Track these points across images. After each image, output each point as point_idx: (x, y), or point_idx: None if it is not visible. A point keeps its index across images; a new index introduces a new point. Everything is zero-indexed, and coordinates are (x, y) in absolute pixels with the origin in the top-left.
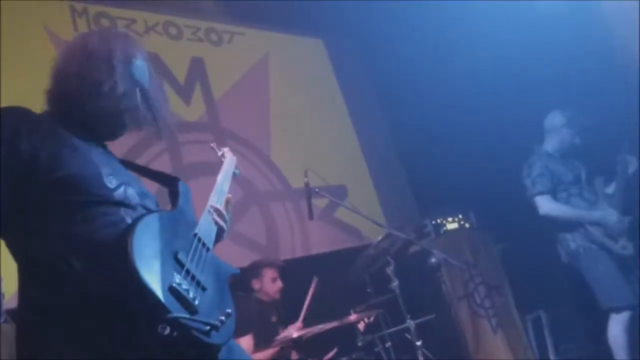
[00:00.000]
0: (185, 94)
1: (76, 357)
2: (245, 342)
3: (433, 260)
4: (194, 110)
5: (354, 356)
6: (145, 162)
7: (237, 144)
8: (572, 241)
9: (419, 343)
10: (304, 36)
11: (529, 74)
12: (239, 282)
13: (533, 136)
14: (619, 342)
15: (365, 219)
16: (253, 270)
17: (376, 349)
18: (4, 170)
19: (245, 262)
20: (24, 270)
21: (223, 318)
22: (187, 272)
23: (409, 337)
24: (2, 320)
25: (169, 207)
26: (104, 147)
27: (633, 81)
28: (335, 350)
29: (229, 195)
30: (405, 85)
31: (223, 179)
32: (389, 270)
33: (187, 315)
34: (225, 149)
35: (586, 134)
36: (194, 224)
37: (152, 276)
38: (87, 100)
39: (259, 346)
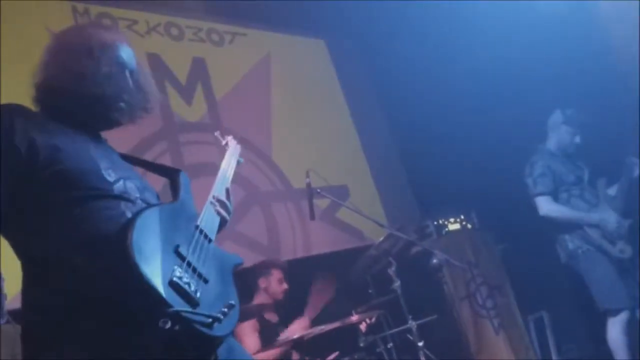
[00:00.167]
0: (186, 94)
1: (79, 356)
2: (252, 341)
3: (435, 260)
4: (196, 111)
5: (355, 357)
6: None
7: (241, 155)
8: (571, 242)
9: (420, 344)
10: (305, 36)
11: (529, 74)
12: (246, 280)
13: (534, 136)
14: (618, 343)
15: (367, 219)
16: (262, 269)
17: (378, 350)
18: (3, 168)
19: (246, 262)
20: (27, 269)
21: (226, 310)
22: (189, 264)
23: (410, 337)
24: (4, 321)
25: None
26: (103, 140)
27: (633, 81)
28: (336, 353)
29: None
30: (406, 86)
31: (226, 168)
32: (391, 270)
33: (189, 309)
34: (229, 138)
35: (586, 133)
36: (196, 215)
37: (153, 271)
38: (70, 88)
39: (262, 346)
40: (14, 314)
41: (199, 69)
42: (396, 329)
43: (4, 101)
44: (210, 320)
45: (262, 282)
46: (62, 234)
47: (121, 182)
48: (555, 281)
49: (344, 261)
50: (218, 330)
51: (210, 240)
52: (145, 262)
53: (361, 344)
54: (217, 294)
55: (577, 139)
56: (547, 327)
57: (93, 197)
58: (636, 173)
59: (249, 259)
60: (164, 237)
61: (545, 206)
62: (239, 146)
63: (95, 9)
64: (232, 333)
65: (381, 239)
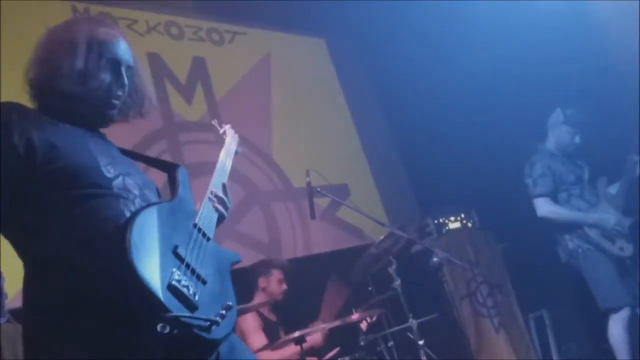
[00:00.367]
0: (186, 93)
1: (78, 356)
2: (257, 339)
3: (435, 259)
4: (196, 110)
5: (356, 355)
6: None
7: (239, 144)
8: (571, 242)
9: (421, 342)
10: (305, 36)
11: (529, 73)
12: (247, 279)
13: (534, 135)
14: (619, 342)
15: (367, 218)
16: (262, 269)
17: (378, 349)
18: (2, 169)
19: (246, 262)
20: (27, 269)
21: (224, 312)
22: (187, 266)
23: (411, 336)
24: (4, 320)
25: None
26: (102, 136)
27: (633, 80)
28: (337, 349)
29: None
30: (407, 85)
31: (224, 160)
32: (391, 269)
33: (187, 314)
34: (227, 127)
35: (586, 132)
36: (194, 212)
37: (151, 274)
38: (58, 84)
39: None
40: (15, 313)
41: (199, 68)
42: (397, 328)
43: (3, 101)
44: (208, 324)
45: (261, 282)
46: (61, 234)
47: (120, 179)
48: (555, 280)
49: (344, 260)
50: (216, 333)
51: (208, 239)
52: (143, 265)
53: (362, 343)
54: (215, 295)
55: (577, 139)
56: (547, 326)
57: (92, 195)
58: (637, 172)
59: (250, 259)
60: (162, 237)
61: (544, 207)
62: (236, 135)
63: (95, 8)
64: (235, 331)
65: (381, 237)
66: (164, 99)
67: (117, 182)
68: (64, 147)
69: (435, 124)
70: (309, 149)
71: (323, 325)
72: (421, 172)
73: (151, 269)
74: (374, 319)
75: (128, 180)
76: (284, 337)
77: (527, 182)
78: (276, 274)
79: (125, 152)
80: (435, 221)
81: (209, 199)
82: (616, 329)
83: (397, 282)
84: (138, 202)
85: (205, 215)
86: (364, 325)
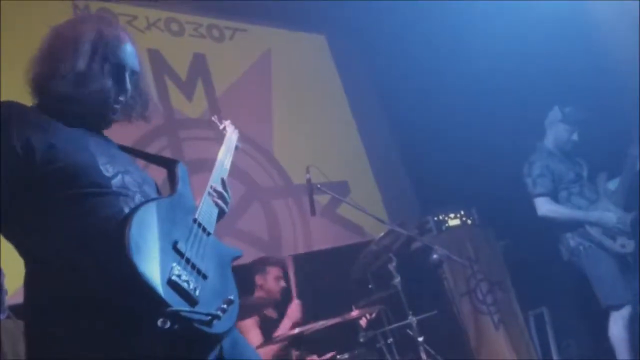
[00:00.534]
0: (187, 90)
1: (79, 355)
2: (254, 336)
3: (435, 256)
4: (196, 107)
5: (355, 352)
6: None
7: (239, 140)
8: (572, 239)
9: (420, 339)
10: (306, 32)
11: (529, 72)
12: (244, 277)
13: (535, 133)
14: (620, 339)
15: (367, 215)
16: (258, 266)
17: (378, 345)
18: (1, 168)
19: (246, 259)
20: (28, 268)
21: (225, 306)
22: (187, 261)
23: (410, 333)
24: (4, 316)
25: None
26: (100, 134)
27: (633, 80)
28: (333, 353)
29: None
30: (407, 82)
31: (224, 156)
32: (391, 266)
33: (188, 308)
34: (227, 122)
35: (583, 129)
36: (194, 208)
37: (151, 270)
38: (49, 82)
39: (265, 341)
40: (15, 309)
41: (199, 64)
42: (396, 325)
43: (2, 100)
44: (209, 318)
45: (258, 280)
46: (62, 233)
47: (119, 177)
48: (555, 277)
49: (344, 257)
50: (217, 327)
51: (208, 234)
52: (143, 260)
53: (361, 340)
54: (216, 290)
55: (575, 136)
56: (547, 323)
57: (91, 194)
58: (637, 166)
59: (250, 255)
60: (162, 232)
61: (544, 207)
62: (236, 131)
63: (95, 5)
64: (235, 327)
65: (381, 234)
66: (164, 96)
67: (116, 181)
68: (63, 147)
69: (436, 121)
70: (310, 145)
71: (323, 322)
72: (421, 169)
73: (151, 264)
74: (374, 315)
75: (127, 178)
76: (282, 335)
77: (527, 182)
78: (272, 272)
79: (124, 149)
80: (435, 218)
81: (209, 194)
82: (617, 326)
83: (397, 279)
84: (138, 199)
85: (205, 211)
86: (363, 322)
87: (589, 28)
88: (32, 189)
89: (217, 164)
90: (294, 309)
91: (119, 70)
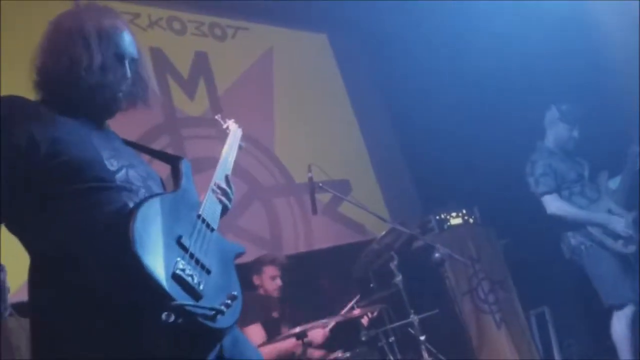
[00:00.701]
0: (189, 88)
1: (84, 350)
2: (256, 334)
3: (437, 255)
4: (198, 105)
5: (357, 351)
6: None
7: (242, 139)
8: (573, 238)
9: (422, 338)
10: (307, 31)
11: (531, 70)
12: (243, 277)
13: (536, 132)
14: (622, 338)
15: (369, 213)
16: (255, 266)
17: (379, 344)
18: (3, 162)
19: (248, 257)
20: (32, 263)
21: (229, 301)
22: (191, 255)
23: (412, 332)
24: (7, 314)
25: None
26: (105, 127)
27: (633, 76)
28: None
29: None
30: (409, 81)
31: (227, 154)
32: (393, 265)
33: (192, 302)
34: (231, 121)
35: (583, 126)
36: (198, 204)
37: (155, 263)
38: (64, 76)
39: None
40: (17, 307)
41: (201, 63)
42: (398, 323)
43: (4, 94)
44: (213, 312)
45: (256, 280)
46: (65, 228)
47: (123, 171)
48: (557, 276)
49: (346, 255)
50: (221, 322)
51: (212, 230)
52: (147, 255)
53: (363, 338)
54: (220, 285)
55: (575, 134)
56: (549, 322)
57: (95, 189)
58: (637, 164)
59: (251, 254)
60: (166, 227)
61: (553, 204)
62: (240, 130)
63: (97, 3)
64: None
65: (383, 233)
66: (166, 94)
67: (120, 175)
68: (67, 141)
69: (437, 119)
70: (311, 144)
71: (324, 321)
72: (423, 168)
73: (155, 258)
74: (375, 314)
75: (131, 173)
76: (285, 333)
77: (529, 181)
78: (268, 271)
79: (129, 144)
80: (437, 217)
81: (213, 191)
82: (619, 326)
83: (399, 278)
84: (142, 194)
85: (209, 207)
86: (365, 321)
87: (589, 28)
88: (35, 183)
89: (221, 161)
90: (319, 335)
91: (119, 58)
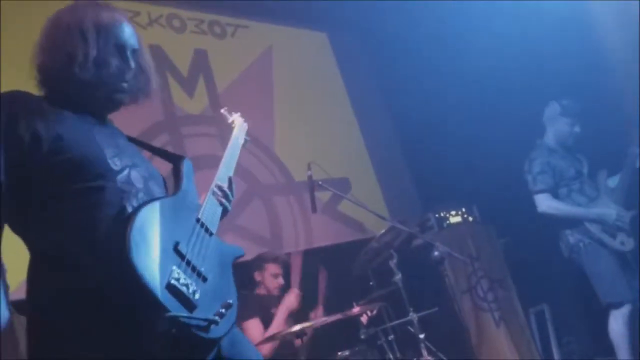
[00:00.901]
0: (188, 86)
1: (76, 355)
2: (255, 327)
3: (436, 253)
4: (197, 103)
5: (356, 349)
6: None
7: (247, 133)
8: (572, 236)
9: (421, 336)
10: (307, 29)
11: (531, 70)
12: (244, 274)
13: (536, 131)
14: (620, 336)
15: (369, 212)
16: (257, 263)
17: (379, 342)
18: (5, 157)
19: (247, 256)
20: (31, 261)
21: (223, 310)
22: (188, 263)
23: (411, 330)
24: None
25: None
26: (109, 123)
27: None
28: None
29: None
30: (409, 79)
31: (232, 151)
32: (392, 263)
33: (186, 314)
34: (236, 115)
35: (584, 121)
36: (198, 206)
37: (150, 273)
38: (66, 71)
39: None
40: (16, 305)
41: (200, 61)
42: (397, 321)
43: (8, 90)
44: (206, 323)
45: (257, 276)
46: (64, 228)
47: (126, 172)
48: (556, 274)
49: (345, 254)
50: (215, 332)
51: (211, 234)
52: (143, 263)
53: (362, 336)
54: (215, 293)
55: (577, 129)
56: (548, 320)
57: (95, 189)
58: (637, 164)
59: (251, 252)
60: (164, 233)
61: (544, 203)
62: (245, 124)
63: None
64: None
65: (383, 231)
66: (165, 92)
67: (122, 176)
68: (70, 139)
69: (437, 117)
70: (311, 142)
71: (324, 319)
72: (423, 166)
73: (151, 267)
74: (375, 312)
75: (133, 173)
76: (284, 331)
77: (527, 179)
78: (270, 269)
79: (132, 141)
80: (437, 215)
81: (214, 193)
82: (617, 324)
83: (398, 276)
84: (141, 197)
85: (209, 210)
86: (364, 319)
87: (589, 28)
88: (37, 180)
89: (224, 160)
90: (292, 297)
91: (120, 50)
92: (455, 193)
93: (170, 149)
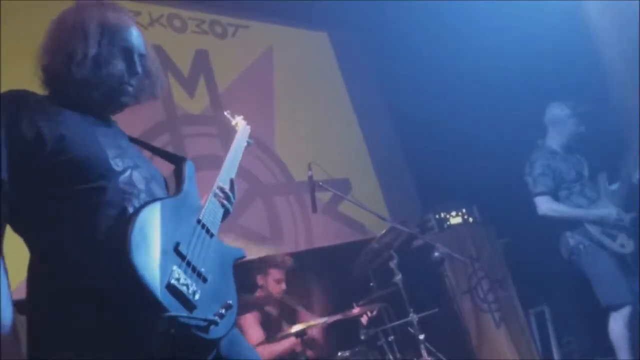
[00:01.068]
0: (189, 86)
1: (76, 355)
2: (255, 333)
3: (436, 254)
4: (198, 103)
5: (356, 349)
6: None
7: (250, 136)
8: (572, 238)
9: (421, 337)
10: (308, 29)
11: (531, 70)
12: (246, 275)
13: (536, 130)
14: (620, 336)
15: (369, 212)
16: (261, 266)
17: (379, 343)
18: (8, 156)
19: (247, 256)
20: (32, 261)
21: (223, 311)
22: (188, 263)
23: (411, 331)
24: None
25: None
26: (112, 123)
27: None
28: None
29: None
30: (409, 79)
31: (234, 154)
32: (392, 264)
33: (185, 314)
34: (239, 118)
35: (589, 122)
36: (199, 207)
37: (150, 273)
38: (69, 73)
39: (267, 338)
40: (17, 304)
41: (201, 61)
42: (397, 322)
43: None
44: (206, 324)
45: (259, 280)
46: (64, 229)
47: (128, 173)
48: (556, 275)
49: (345, 254)
50: (214, 333)
51: (212, 235)
52: (143, 263)
53: (362, 337)
54: (215, 293)
55: (582, 129)
56: (548, 321)
57: (97, 190)
58: (634, 180)
59: (251, 252)
60: (164, 234)
61: (544, 206)
62: (248, 127)
63: None
64: (235, 324)
65: (383, 232)
66: (166, 92)
67: (124, 177)
68: (73, 138)
69: (438, 118)
70: (311, 142)
71: (324, 319)
72: (423, 167)
73: (151, 267)
74: (375, 313)
75: (135, 175)
76: (283, 332)
77: (527, 181)
78: (274, 274)
79: (134, 141)
80: (437, 216)
81: (215, 194)
82: (617, 325)
83: (398, 277)
84: (143, 197)
85: (210, 211)
86: (364, 320)
87: (589, 27)
88: (38, 180)
89: (226, 162)
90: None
91: (127, 53)
92: (455, 193)
93: (170, 148)
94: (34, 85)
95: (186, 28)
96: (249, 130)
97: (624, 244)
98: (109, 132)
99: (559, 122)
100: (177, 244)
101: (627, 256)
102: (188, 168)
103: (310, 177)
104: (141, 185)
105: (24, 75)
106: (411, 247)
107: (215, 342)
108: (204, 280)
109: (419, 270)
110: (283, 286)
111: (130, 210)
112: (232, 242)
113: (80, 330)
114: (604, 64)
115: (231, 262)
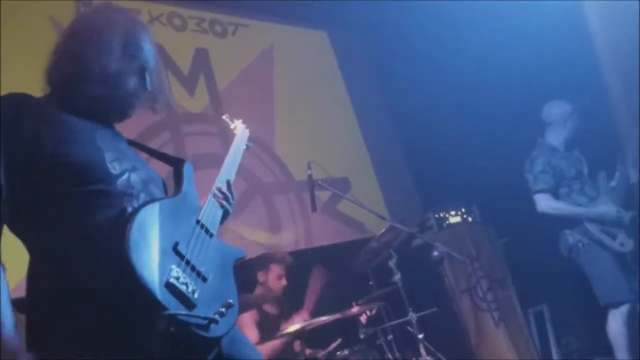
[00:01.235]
0: (189, 85)
1: (76, 355)
2: (251, 333)
3: (435, 253)
4: (198, 102)
5: (355, 348)
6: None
7: (249, 139)
8: (571, 236)
9: (420, 336)
10: (308, 28)
11: (531, 70)
12: (246, 273)
13: (536, 131)
14: (618, 335)
15: (368, 211)
16: (261, 263)
17: (378, 342)
18: (6, 157)
19: (247, 255)
20: (31, 262)
21: (223, 310)
22: (187, 262)
23: (410, 330)
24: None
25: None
26: (111, 127)
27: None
28: (339, 341)
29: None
30: (409, 78)
31: (233, 157)
32: (392, 263)
33: (184, 312)
34: (238, 122)
35: (588, 117)
36: (198, 208)
37: (149, 271)
38: (81, 81)
39: (262, 338)
40: (16, 303)
41: (201, 59)
42: (396, 321)
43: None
44: (206, 322)
45: (260, 277)
46: (64, 230)
47: (126, 176)
48: (555, 275)
49: (345, 253)
50: (215, 331)
51: (211, 235)
52: (141, 262)
53: (361, 336)
54: (215, 293)
55: (583, 124)
56: (547, 320)
57: (95, 192)
58: (631, 181)
59: (251, 251)
60: (163, 233)
61: (543, 203)
62: (247, 130)
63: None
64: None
65: (382, 231)
66: (171, 99)
67: (122, 180)
68: (71, 141)
69: (437, 117)
70: (311, 141)
71: (324, 318)
72: (423, 166)
73: (150, 266)
74: (374, 312)
75: (133, 177)
76: (280, 332)
77: (528, 178)
78: (275, 270)
79: (132, 144)
80: (436, 215)
81: (214, 195)
82: (616, 324)
83: (398, 276)
84: (142, 198)
85: (209, 212)
86: (363, 319)
87: (589, 27)
88: (37, 182)
89: (225, 164)
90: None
91: (142, 70)
92: (455, 193)
93: (170, 147)
94: (34, 84)
95: (186, 27)
96: (248, 134)
97: (623, 242)
98: (107, 135)
99: (560, 120)
100: (176, 244)
101: (627, 255)
102: (187, 169)
103: (310, 176)
104: (139, 186)
105: (24, 75)
106: (410, 246)
107: (215, 341)
108: (204, 279)
109: (418, 269)
110: (284, 282)
111: (129, 210)
112: (231, 241)
113: (80, 330)
114: (603, 64)
115: (232, 262)
